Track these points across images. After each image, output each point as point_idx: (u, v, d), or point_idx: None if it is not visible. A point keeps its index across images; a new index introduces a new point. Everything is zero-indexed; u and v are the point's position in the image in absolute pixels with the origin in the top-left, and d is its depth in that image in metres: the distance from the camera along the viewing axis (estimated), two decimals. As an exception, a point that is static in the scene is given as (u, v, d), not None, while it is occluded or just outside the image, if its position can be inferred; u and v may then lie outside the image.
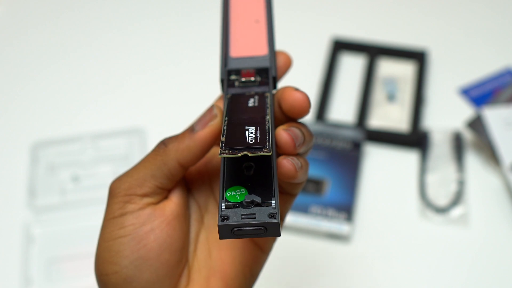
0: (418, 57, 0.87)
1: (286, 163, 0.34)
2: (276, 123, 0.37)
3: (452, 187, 0.75)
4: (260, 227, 0.31)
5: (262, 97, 0.37)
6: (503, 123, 0.76)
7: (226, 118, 0.34)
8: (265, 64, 0.40)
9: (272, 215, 0.31)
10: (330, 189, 0.74)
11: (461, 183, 0.75)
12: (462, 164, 0.77)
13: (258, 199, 0.31)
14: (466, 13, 0.95)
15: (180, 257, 0.36)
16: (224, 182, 0.33)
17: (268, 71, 0.39)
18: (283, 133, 0.34)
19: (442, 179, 0.76)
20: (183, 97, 0.83)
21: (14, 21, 0.96)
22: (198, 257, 0.38)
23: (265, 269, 0.70)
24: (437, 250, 0.71)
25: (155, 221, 0.35)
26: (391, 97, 0.84)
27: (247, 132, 0.33)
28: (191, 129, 0.35)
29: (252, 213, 0.31)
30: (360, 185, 0.76)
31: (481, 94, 0.84)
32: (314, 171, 0.75)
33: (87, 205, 0.73)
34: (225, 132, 0.33)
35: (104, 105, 0.85)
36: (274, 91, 0.39)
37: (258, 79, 0.39)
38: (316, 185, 0.75)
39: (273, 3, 0.44)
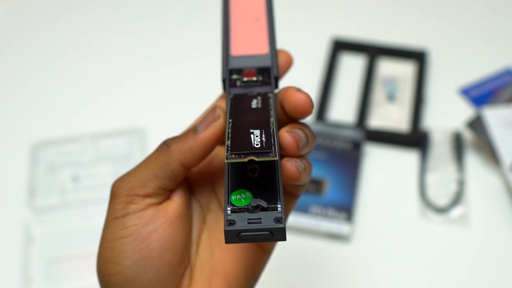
0: (418, 57, 0.87)
1: (289, 166, 0.34)
2: (279, 124, 0.37)
3: (452, 187, 0.75)
4: (266, 232, 0.31)
5: (265, 98, 0.37)
6: (503, 123, 0.76)
7: (230, 120, 0.34)
8: (267, 63, 0.40)
9: (278, 220, 0.31)
10: (330, 189, 0.74)
11: (461, 183, 0.75)
12: (462, 164, 0.77)
13: (263, 203, 0.31)
14: (466, 13, 0.95)
15: (183, 257, 0.37)
16: (229, 185, 0.33)
17: (269, 71, 0.39)
18: (287, 135, 0.34)
19: (442, 179, 0.76)
20: (183, 97, 0.83)
21: (14, 21, 0.96)
22: (200, 257, 0.38)
23: (266, 269, 0.70)
24: (437, 250, 0.71)
25: (157, 222, 0.35)
26: (391, 97, 0.84)
27: (252, 136, 0.32)
28: (193, 130, 0.35)
29: (258, 217, 0.31)
30: (360, 185, 0.76)
31: (481, 94, 0.84)
32: (314, 171, 0.75)
33: (87, 205, 0.73)
34: (230, 135, 0.33)
35: (104, 105, 0.85)
36: (276, 91, 0.39)
37: (260, 78, 0.39)
38: (316, 185, 0.75)
39: (273, 1, 0.44)
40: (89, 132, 0.80)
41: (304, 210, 0.72)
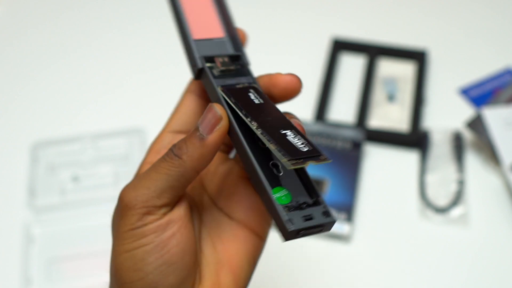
0: (418, 57, 0.87)
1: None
2: None
3: (452, 187, 0.75)
4: (320, 227, 0.32)
5: (257, 91, 0.38)
6: (503, 123, 0.76)
7: (253, 122, 0.34)
8: (237, 51, 0.40)
9: (327, 214, 0.32)
10: (330, 189, 0.74)
11: (461, 183, 0.75)
12: (462, 164, 0.77)
13: (308, 200, 0.32)
14: (466, 13, 0.95)
15: (196, 257, 0.37)
16: (265, 185, 0.33)
17: (240, 58, 0.40)
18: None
19: (442, 179, 0.76)
20: (183, 97, 0.83)
21: (14, 21, 0.96)
22: (204, 253, 0.39)
23: (265, 269, 0.70)
24: (437, 250, 0.71)
25: (174, 227, 0.36)
26: (391, 97, 0.84)
27: (289, 138, 0.33)
28: (198, 136, 0.35)
29: (308, 214, 0.32)
30: (360, 185, 0.76)
31: (481, 94, 0.84)
32: (314, 171, 0.75)
33: (87, 205, 0.73)
34: (268, 138, 0.33)
35: (104, 105, 0.85)
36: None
37: (237, 67, 0.39)
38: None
39: None
40: (89, 132, 0.80)
41: (304, 210, 0.72)
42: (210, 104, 0.36)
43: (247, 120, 0.35)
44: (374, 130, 0.80)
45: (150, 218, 0.35)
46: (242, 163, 0.36)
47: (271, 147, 0.32)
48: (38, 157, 0.78)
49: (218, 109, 0.35)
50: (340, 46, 0.89)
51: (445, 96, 0.85)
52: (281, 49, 0.91)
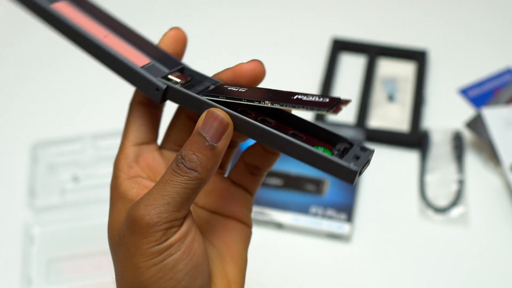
0: (418, 57, 0.87)
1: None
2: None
3: (452, 187, 0.75)
4: (368, 162, 0.34)
5: (230, 85, 0.39)
6: (503, 123, 0.76)
7: (262, 102, 0.35)
8: (176, 65, 0.40)
9: (364, 149, 0.34)
10: (330, 189, 0.74)
11: (461, 183, 0.75)
12: (462, 164, 0.77)
13: (344, 145, 0.34)
14: (466, 13, 0.95)
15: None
16: (311, 148, 0.34)
17: (184, 69, 0.40)
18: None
19: (442, 179, 0.76)
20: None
21: (14, 21, 0.96)
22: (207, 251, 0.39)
23: (266, 269, 0.70)
24: (437, 250, 0.71)
25: (193, 230, 0.36)
26: (391, 97, 0.84)
27: (306, 98, 0.34)
28: (209, 146, 0.35)
29: (354, 154, 0.34)
30: (360, 185, 0.76)
31: (481, 94, 0.84)
32: (314, 171, 0.75)
33: (87, 205, 0.73)
34: (292, 105, 0.34)
35: (104, 105, 0.85)
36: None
37: (189, 77, 0.39)
38: (316, 185, 0.75)
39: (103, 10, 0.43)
40: (89, 132, 0.80)
41: (304, 210, 0.72)
42: (209, 111, 0.35)
43: (256, 103, 0.35)
44: (374, 130, 0.80)
45: (174, 230, 0.35)
46: (269, 147, 0.37)
47: (303, 109, 0.33)
48: (38, 157, 0.78)
49: (221, 114, 0.35)
50: (340, 46, 0.89)
51: (445, 96, 0.85)
52: (281, 49, 0.92)
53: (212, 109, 0.36)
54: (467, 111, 0.82)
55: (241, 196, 0.41)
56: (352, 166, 0.33)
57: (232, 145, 0.41)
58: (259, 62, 0.39)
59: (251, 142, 0.39)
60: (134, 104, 0.40)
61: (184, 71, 0.40)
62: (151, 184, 0.38)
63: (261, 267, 0.70)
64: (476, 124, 0.77)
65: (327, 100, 0.34)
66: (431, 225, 0.72)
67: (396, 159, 0.78)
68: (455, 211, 0.73)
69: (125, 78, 0.38)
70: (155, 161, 0.40)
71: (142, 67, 0.38)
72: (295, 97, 0.35)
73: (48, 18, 0.38)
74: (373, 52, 0.88)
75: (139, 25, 0.95)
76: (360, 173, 0.33)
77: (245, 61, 0.39)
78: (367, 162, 0.34)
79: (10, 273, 0.70)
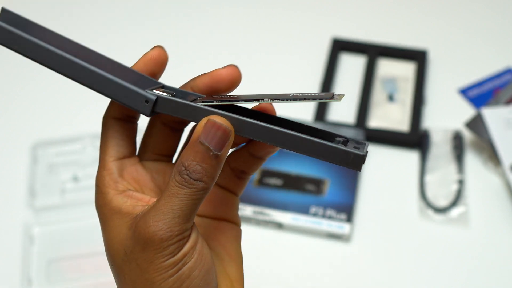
0: (418, 57, 0.87)
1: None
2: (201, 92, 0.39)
3: (452, 187, 0.75)
4: (367, 152, 0.35)
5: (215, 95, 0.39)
6: (502, 123, 0.76)
7: (265, 100, 0.35)
8: (158, 83, 0.39)
9: (360, 142, 0.35)
10: (330, 189, 0.74)
11: (461, 183, 0.75)
12: (462, 164, 0.77)
13: (342, 139, 0.35)
14: (466, 13, 0.95)
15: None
16: (315, 139, 0.35)
17: (165, 86, 0.39)
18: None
19: (442, 179, 0.76)
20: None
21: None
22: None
23: (265, 269, 0.70)
24: (437, 250, 0.71)
25: (199, 236, 0.37)
26: (391, 97, 0.84)
27: (306, 94, 0.35)
28: (213, 155, 0.35)
29: (353, 145, 0.35)
30: (360, 185, 0.76)
31: (481, 94, 0.84)
32: (314, 171, 0.75)
33: (87, 205, 0.73)
34: (295, 95, 0.35)
35: (104, 105, 0.85)
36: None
37: (174, 93, 0.38)
38: (316, 185, 0.75)
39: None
40: (89, 132, 0.80)
41: (304, 210, 0.72)
42: (210, 120, 0.35)
43: (262, 101, 0.35)
44: (374, 130, 0.80)
45: (185, 240, 0.35)
46: (274, 145, 0.36)
47: (306, 101, 0.34)
48: (38, 157, 0.78)
49: (223, 122, 0.35)
50: (340, 46, 0.89)
51: (445, 96, 0.85)
52: (281, 49, 0.92)
53: (212, 117, 0.35)
54: (467, 111, 0.82)
55: (228, 198, 0.41)
56: (358, 151, 0.34)
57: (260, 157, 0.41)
58: (236, 67, 0.38)
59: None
60: (109, 119, 0.39)
61: (165, 88, 0.39)
62: (143, 196, 0.38)
63: (261, 267, 0.70)
64: (476, 124, 0.77)
65: (323, 93, 0.34)
66: (431, 225, 0.72)
67: (396, 159, 0.78)
68: (455, 211, 0.73)
69: (107, 93, 0.37)
70: (139, 174, 0.40)
71: (126, 82, 0.37)
72: (291, 95, 0.35)
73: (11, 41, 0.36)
74: (373, 52, 0.88)
75: (139, 25, 0.95)
76: (364, 161, 0.34)
77: (220, 68, 0.39)
78: (367, 152, 0.35)
79: (10, 273, 0.70)
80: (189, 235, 0.36)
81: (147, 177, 0.40)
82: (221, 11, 0.97)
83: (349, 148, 0.34)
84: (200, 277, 0.36)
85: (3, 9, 0.38)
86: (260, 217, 0.72)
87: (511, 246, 0.71)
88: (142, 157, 0.41)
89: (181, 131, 0.41)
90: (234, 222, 0.42)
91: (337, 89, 0.86)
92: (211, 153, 0.35)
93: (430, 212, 0.73)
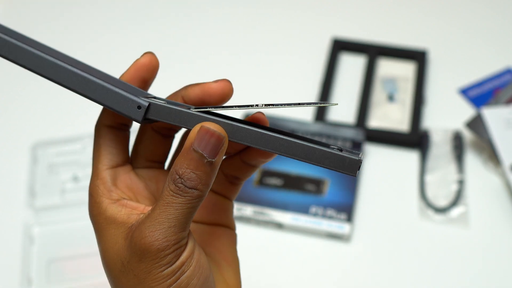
0: (418, 57, 0.87)
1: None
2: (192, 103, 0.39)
3: (452, 187, 0.75)
4: (362, 157, 0.35)
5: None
6: (502, 123, 0.76)
7: (258, 105, 0.35)
8: (149, 94, 0.40)
9: (354, 152, 0.36)
10: (330, 189, 0.74)
11: (461, 183, 0.75)
12: (462, 164, 0.77)
13: (338, 147, 0.35)
14: (466, 13, 0.95)
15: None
16: (313, 144, 0.35)
17: (156, 97, 0.39)
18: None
19: (442, 179, 0.76)
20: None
21: (14, 21, 0.96)
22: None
23: (266, 269, 0.70)
24: (437, 250, 0.71)
25: (196, 244, 0.37)
26: (391, 97, 0.84)
27: (302, 102, 0.36)
28: (207, 163, 0.34)
29: (356, 152, 0.35)
30: (360, 185, 0.76)
31: (481, 94, 0.84)
32: (314, 171, 0.75)
33: (87, 205, 0.73)
34: (293, 103, 0.35)
35: (104, 105, 0.85)
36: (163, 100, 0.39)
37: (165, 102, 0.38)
38: (316, 185, 0.75)
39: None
40: (89, 132, 0.80)
41: (304, 210, 0.72)
42: (203, 126, 0.34)
43: (255, 108, 0.35)
44: (374, 130, 0.80)
45: (182, 248, 0.35)
46: (268, 151, 0.36)
47: (305, 106, 0.34)
48: (38, 157, 0.78)
49: (216, 129, 0.34)
50: (340, 46, 0.89)
51: (445, 96, 0.85)
52: (281, 49, 0.91)
53: (206, 124, 0.35)
54: (467, 111, 0.82)
55: (222, 203, 0.41)
56: (354, 156, 0.34)
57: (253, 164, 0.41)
58: (227, 82, 0.38)
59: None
60: (102, 127, 0.39)
61: (156, 98, 0.39)
62: (137, 205, 0.38)
63: (261, 267, 0.70)
64: (476, 124, 0.77)
65: (320, 102, 0.34)
66: (431, 225, 0.72)
67: (396, 159, 0.78)
68: (455, 211, 0.73)
69: (99, 99, 0.36)
70: (133, 182, 0.40)
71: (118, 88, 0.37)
72: (286, 102, 0.35)
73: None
74: (373, 52, 0.88)
75: (139, 25, 0.95)
76: (359, 168, 0.34)
77: (212, 81, 0.38)
78: (362, 158, 0.35)
79: (10, 273, 0.70)
80: (186, 243, 0.35)
81: (140, 185, 0.40)
82: (221, 11, 0.97)
83: (345, 154, 0.34)
84: (199, 285, 0.35)
85: None
86: (260, 217, 0.72)
87: (511, 246, 0.71)
88: (134, 164, 0.40)
89: (172, 137, 0.41)
90: (229, 227, 0.42)
91: (337, 89, 0.86)
92: (205, 160, 0.34)
93: (430, 212, 0.73)
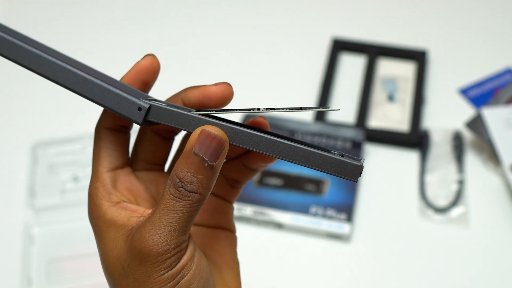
0: (418, 57, 0.87)
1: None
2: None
3: (452, 187, 0.75)
4: (363, 162, 0.35)
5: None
6: (502, 123, 0.76)
7: (260, 109, 0.35)
8: (149, 96, 0.39)
9: (355, 158, 0.36)
10: (330, 189, 0.74)
11: (461, 183, 0.75)
12: (462, 164, 0.77)
13: (339, 153, 0.35)
14: (466, 13, 0.95)
15: None
16: (314, 149, 0.35)
17: (156, 100, 0.39)
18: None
19: (442, 179, 0.76)
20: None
21: (14, 21, 0.96)
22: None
23: (266, 269, 0.70)
24: (437, 250, 0.71)
25: (196, 247, 0.37)
26: (391, 97, 0.84)
27: (304, 106, 0.36)
28: (208, 166, 0.34)
29: (358, 157, 0.35)
30: (360, 185, 0.76)
31: (481, 94, 0.84)
32: (314, 172, 0.75)
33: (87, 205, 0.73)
34: (294, 107, 0.35)
35: (104, 105, 0.85)
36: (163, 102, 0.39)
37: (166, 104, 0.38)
38: (316, 185, 0.75)
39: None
40: (89, 132, 0.80)
41: (304, 210, 0.72)
42: (204, 130, 0.34)
43: (256, 112, 0.35)
44: (374, 130, 0.80)
45: (182, 252, 0.35)
46: (269, 155, 0.35)
47: (305, 110, 0.35)
48: (38, 157, 0.78)
49: (217, 132, 0.34)
50: (340, 46, 0.89)
51: (445, 96, 0.85)
52: (281, 49, 0.91)
53: (206, 127, 0.34)
54: (467, 111, 0.82)
55: (223, 206, 0.41)
56: (356, 161, 0.34)
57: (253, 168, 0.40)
58: (228, 85, 0.38)
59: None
60: (102, 129, 0.39)
61: (157, 101, 0.39)
62: (137, 208, 0.37)
63: (261, 267, 0.70)
64: (476, 124, 0.77)
65: (320, 107, 0.34)
66: (431, 225, 0.72)
67: (396, 159, 0.78)
68: (455, 211, 0.73)
69: (99, 100, 0.36)
70: (133, 184, 0.39)
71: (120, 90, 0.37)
72: (287, 106, 0.35)
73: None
74: (373, 52, 0.88)
75: (139, 25, 0.95)
76: (360, 173, 0.34)
77: (212, 84, 0.38)
78: (363, 163, 0.34)
79: (10, 273, 0.70)
80: (187, 247, 0.35)
81: (140, 188, 0.40)
82: (221, 11, 0.97)
83: (346, 159, 0.34)
84: None
85: None
86: (260, 217, 0.72)
87: (511, 246, 0.71)
88: (133, 167, 0.40)
89: (172, 139, 0.41)
90: (229, 230, 0.42)
91: (337, 89, 0.86)
92: (206, 164, 0.34)
93: (430, 212, 0.73)
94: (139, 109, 0.35)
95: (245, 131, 0.35)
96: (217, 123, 0.35)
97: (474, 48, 0.90)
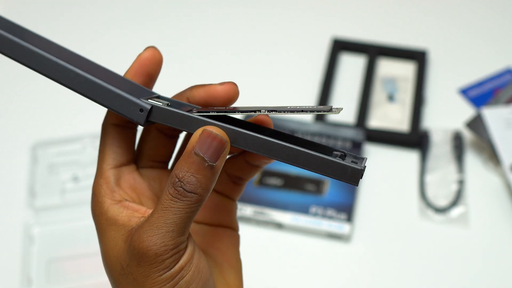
0: (418, 57, 0.87)
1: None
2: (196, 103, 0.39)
3: (452, 187, 0.75)
4: (365, 167, 0.34)
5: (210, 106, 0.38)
6: (503, 123, 0.76)
7: (262, 111, 0.35)
8: (153, 93, 0.39)
9: (357, 158, 0.35)
10: (330, 189, 0.74)
11: (461, 183, 0.75)
12: (462, 164, 0.77)
13: (339, 153, 0.35)
14: (466, 13, 0.95)
15: None
16: (314, 152, 0.34)
17: (160, 97, 0.39)
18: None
19: (442, 179, 0.76)
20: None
21: (13, 20, 0.96)
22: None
23: (266, 269, 0.70)
24: (437, 250, 0.71)
25: (196, 247, 0.36)
26: (391, 97, 0.84)
27: (303, 107, 0.35)
28: (208, 166, 0.34)
29: (351, 160, 0.35)
30: (360, 185, 0.76)
31: (481, 94, 0.84)
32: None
33: (87, 205, 0.73)
34: (297, 108, 0.34)
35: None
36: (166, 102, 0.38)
37: (169, 103, 0.38)
38: (316, 185, 0.75)
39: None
40: (89, 132, 0.80)
41: (304, 210, 0.72)
42: (206, 130, 0.34)
43: (259, 113, 0.35)
44: (374, 130, 0.80)
45: (181, 253, 0.35)
46: (269, 158, 0.36)
47: (304, 113, 0.34)
48: (38, 157, 0.78)
49: (219, 133, 0.34)
50: (340, 46, 0.89)
51: (445, 96, 0.85)
52: (281, 49, 0.92)
53: (208, 127, 0.34)
54: (467, 111, 0.82)
55: (226, 204, 0.41)
56: (356, 165, 0.33)
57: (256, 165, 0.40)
58: (233, 85, 0.38)
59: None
60: (108, 126, 0.39)
61: (160, 98, 0.39)
62: (139, 207, 0.37)
63: (261, 267, 0.70)
64: (476, 124, 0.77)
65: (321, 106, 0.34)
66: (431, 225, 0.72)
67: (396, 159, 0.78)
68: (455, 211, 0.73)
69: (100, 100, 0.36)
70: (137, 182, 0.39)
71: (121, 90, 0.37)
72: (288, 107, 0.34)
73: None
74: (373, 52, 0.88)
75: (139, 25, 0.95)
76: (362, 176, 0.34)
77: (217, 83, 0.38)
78: (365, 167, 0.34)
79: (10, 273, 0.70)
80: (185, 248, 0.35)
81: (144, 185, 0.40)
82: (221, 11, 0.97)
83: (347, 162, 0.33)
84: None
85: None
86: (260, 217, 0.72)
87: (511, 246, 0.71)
88: (138, 164, 0.40)
89: (177, 137, 0.41)
90: (232, 228, 0.41)
91: (337, 89, 0.86)
92: (206, 164, 0.34)
93: (430, 212, 0.73)
94: (141, 110, 0.36)
95: (247, 133, 0.35)
96: (218, 124, 0.35)
97: (474, 48, 0.90)
